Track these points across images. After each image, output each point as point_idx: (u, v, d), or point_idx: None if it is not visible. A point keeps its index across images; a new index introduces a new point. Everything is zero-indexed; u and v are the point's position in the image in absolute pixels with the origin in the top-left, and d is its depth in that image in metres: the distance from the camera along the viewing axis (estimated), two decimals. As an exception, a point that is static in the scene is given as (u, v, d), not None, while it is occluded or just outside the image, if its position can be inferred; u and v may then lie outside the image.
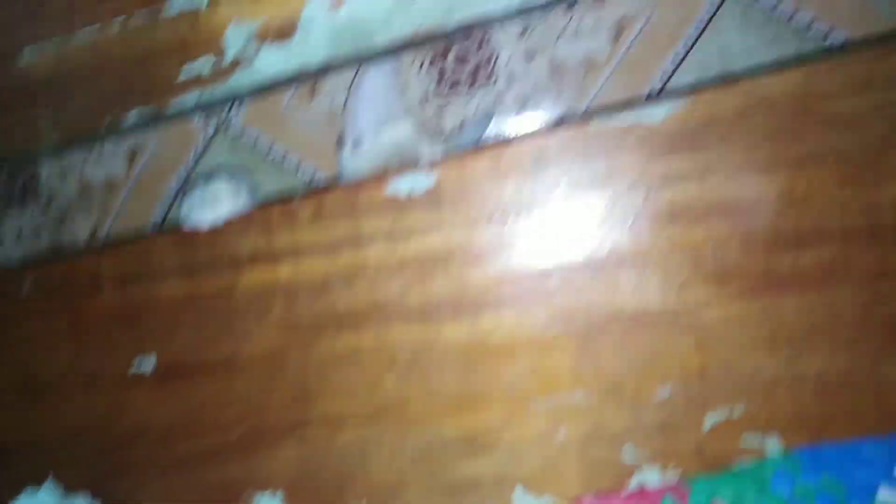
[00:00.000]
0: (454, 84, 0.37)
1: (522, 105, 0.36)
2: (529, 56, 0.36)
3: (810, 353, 0.37)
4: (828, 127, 0.35)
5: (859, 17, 0.33)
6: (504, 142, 0.37)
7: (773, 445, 0.38)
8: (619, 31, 0.35)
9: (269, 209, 0.39)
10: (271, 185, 0.38)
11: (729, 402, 0.38)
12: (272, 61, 0.38)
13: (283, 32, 0.38)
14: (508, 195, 0.37)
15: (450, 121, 0.36)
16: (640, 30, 0.36)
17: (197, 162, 0.40)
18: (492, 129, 0.36)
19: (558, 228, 0.37)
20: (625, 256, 0.37)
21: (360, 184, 0.38)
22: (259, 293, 0.39)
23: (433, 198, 0.38)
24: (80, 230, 0.41)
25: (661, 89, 0.35)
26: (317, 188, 0.38)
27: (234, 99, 0.39)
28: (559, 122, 0.36)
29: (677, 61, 0.34)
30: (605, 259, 0.37)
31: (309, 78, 0.38)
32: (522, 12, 0.37)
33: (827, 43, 0.33)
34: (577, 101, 0.36)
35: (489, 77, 0.37)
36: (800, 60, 0.34)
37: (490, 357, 0.37)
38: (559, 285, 0.37)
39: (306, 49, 0.38)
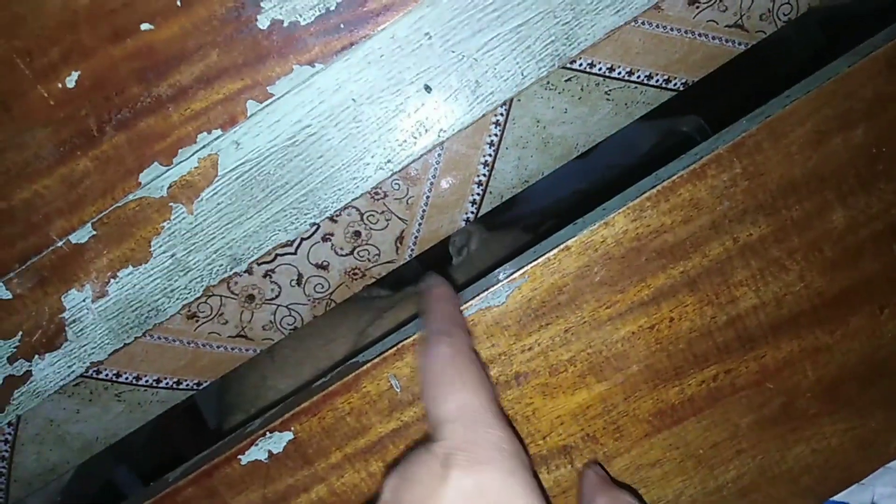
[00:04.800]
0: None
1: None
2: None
3: (722, 465, 0.37)
4: (669, 259, 0.33)
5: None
6: (357, 373, 0.33)
7: (714, 559, 0.37)
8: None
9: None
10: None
11: (662, 534, 0.37)
12: (54, 372, 0.32)
13: (51, 340, 0.32)
14: (376, 423, 0.33)
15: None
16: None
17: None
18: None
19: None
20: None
21: (211, 467, 0.33)
22: None
23: (299, 451, 0.34)
24: None
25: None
26: (156, 488, 0.33)
27: (20, 421, 0.33)
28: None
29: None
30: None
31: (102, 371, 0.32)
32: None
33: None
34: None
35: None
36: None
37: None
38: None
39: (88, 346, 0.32)
